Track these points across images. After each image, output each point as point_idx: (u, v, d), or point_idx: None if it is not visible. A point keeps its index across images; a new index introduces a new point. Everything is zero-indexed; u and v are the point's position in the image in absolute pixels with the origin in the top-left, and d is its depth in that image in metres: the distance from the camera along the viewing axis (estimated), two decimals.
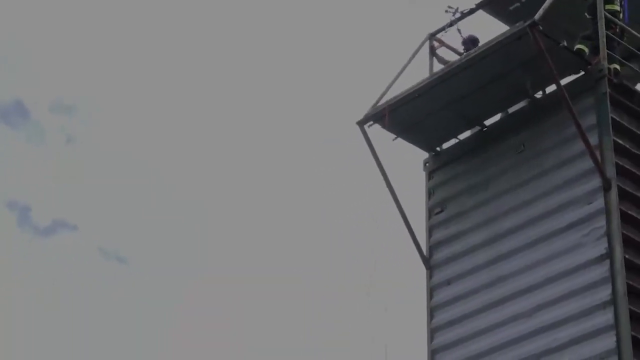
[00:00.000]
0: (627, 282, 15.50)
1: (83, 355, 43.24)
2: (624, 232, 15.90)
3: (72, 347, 43.43)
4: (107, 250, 47.17)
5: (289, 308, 41.18)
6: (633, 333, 15.29)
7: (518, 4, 18.75)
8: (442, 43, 19.33)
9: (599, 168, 16.30)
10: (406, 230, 18.87)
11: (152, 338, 44.33)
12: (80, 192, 44.96)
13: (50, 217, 46.44)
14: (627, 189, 16.45)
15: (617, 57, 17.61)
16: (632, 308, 15.42)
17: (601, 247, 16.02)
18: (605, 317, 15.55)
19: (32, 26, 45.43)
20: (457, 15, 19.31)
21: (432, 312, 18.21)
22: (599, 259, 15.96)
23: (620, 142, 16.66)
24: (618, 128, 16.75)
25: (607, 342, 15.42)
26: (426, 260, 18.54)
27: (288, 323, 41.84)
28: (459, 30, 19.35)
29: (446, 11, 19.56)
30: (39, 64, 46.84)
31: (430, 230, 18.82)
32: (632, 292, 15.50)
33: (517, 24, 16.92)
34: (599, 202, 16.30)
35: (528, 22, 16.48)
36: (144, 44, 45.99)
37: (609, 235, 15.98)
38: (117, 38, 45.39)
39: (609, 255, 15.84)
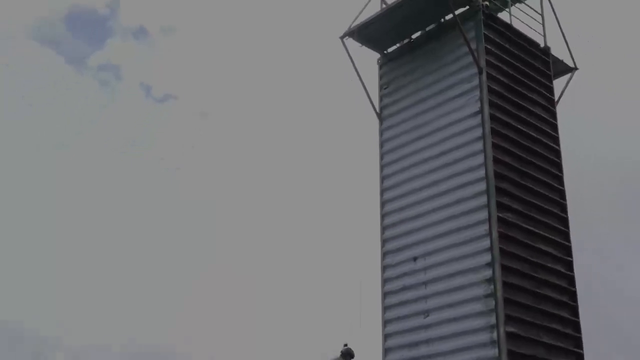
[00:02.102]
0: (491, 127, 17.92)
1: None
2: (490, 98, 18.19)
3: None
4: (196, 110, 51.74)
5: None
6: (494, 154, 17.64)
7: None
8: None
9: (476, 61, 18.48)
10: (367, 98, 20.60)
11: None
12: (180, 75, 49.48)
13: (163, 92, 51.12)
14: (492, 73, 18.67)
15: None
16: (494, 141, 17.82)
17: (476, 107, 18.34)
18: (479, 147, 17.99)
19: None
20: None
21: (382, 144, 20.26)
22: (475, 114, 18.33)
23: (488, 46, 18.81)
24: (487, 39, 18.88)
25: (479, 159, 17.81)
26: (379, 114, 20.57)
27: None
28: None
29: None
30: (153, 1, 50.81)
31: (380, 98, 20.70)
32: (494, 133, 17.98)
33: None
34: (476, 81, 18.48)
35: None
36: None
37: (481, 100, 18.23)
38: None
39: (481, 111, 18.19)
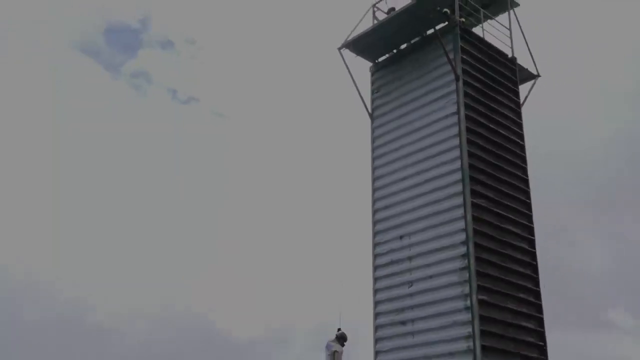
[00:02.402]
0: (466, 126, 18.81)
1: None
2: (465, 101, 18.99)
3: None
4: (214, 111, 53.83)
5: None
6: (469, 149, 18.60)
7: None
8: (379, 9, 21.63)
9: (453, 70, 19.25)
10: (361, 101, 21.41)
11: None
12: (200, 81, 51.63)
13: (187, 95, 54.52)
14: (467, 79, 19.40)
15: (464, 14, 20.51)
16: (469, 138, 18.71)
17: (453, 108, 19.14)
18: (455, 142, 18.82)
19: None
20: None
21: (373, 140, 20.98)
22: (453, 114, 19.12)
23: (464, 57, 19.59)
24: (463, 50, 19.64)
25: (455, 153, 18.79)
26: (370, 115, 21.33)
27: None
28: (386, 2, 21.47)
29: None
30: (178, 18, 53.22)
31: (372, 100, 21.43)
32: (468, 130, 18.83)
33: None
34: (453, 86, 19.19)
35: None
36: None
37: (457, 102, 19.01)
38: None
39: (457, 112, 19.02)
